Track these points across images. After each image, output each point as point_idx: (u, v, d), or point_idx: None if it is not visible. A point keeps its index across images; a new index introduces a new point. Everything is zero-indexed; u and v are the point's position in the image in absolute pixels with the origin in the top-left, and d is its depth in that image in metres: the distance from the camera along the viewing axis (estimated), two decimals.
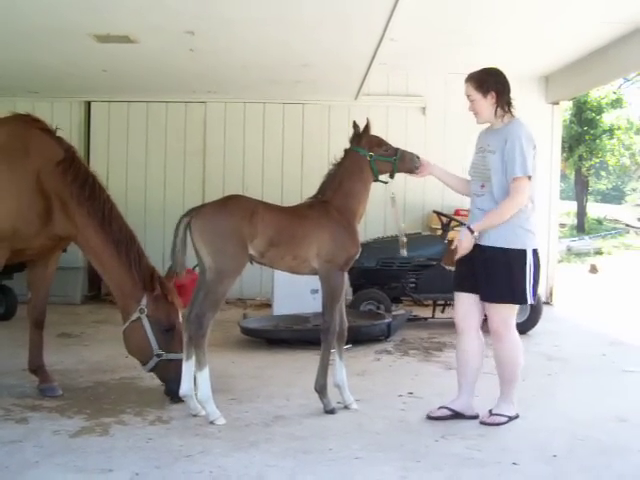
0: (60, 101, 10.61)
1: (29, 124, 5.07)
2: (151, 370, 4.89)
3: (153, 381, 5.40)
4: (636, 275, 16.50)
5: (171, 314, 4.84)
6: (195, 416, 4.50)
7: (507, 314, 4.46)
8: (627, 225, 30.81)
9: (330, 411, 4.62)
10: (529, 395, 5.20)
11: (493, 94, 4.43)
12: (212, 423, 4.35)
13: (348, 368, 4.89)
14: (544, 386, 5.57)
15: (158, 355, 4.78)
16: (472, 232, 4.38)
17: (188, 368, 4.47)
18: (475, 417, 4.57)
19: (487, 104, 4.46)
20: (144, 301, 4.81)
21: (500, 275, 4.36)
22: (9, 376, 5.52)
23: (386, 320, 7.30)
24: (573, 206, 31.74)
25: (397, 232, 4.97)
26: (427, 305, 8.68)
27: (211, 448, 3.94)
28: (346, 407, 4.76)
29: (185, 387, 4.48)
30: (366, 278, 8.30)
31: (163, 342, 4.80)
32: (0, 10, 6.31)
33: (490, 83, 4.44)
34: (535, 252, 4.44)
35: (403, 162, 4.81)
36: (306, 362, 6.02)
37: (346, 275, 4.83)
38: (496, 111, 4.47)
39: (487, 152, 4.46)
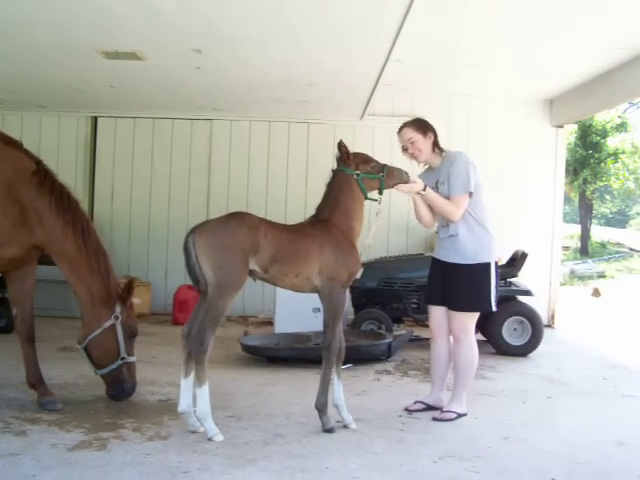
0: (67, 116, 10.76)
1: None
2: (108, 372, 5.15)
3: (152, 397, 5.43)
4: (639, 299, 16.46)
5: (135, 321, 5.29)
6: (193, 432, 4.49)
7: (467, 321, 5.07)
8: (631, 249, 30.72)
9: (329, 430, 4.61)
10: (529, 417, 5.20)
11: (430, 135, 5.15)
12: (210, 440, 4.33)
13: (348, 387, 4.89)
14: (544, 409, 5.56)
15: (122, 358, 5.14)
16: (424, 189, 4.97)
17: (187, 385, 4.46)
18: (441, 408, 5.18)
19: (426, 143, 5.13)
20: (118, 309, 5.12)
21: (467, 287, 5.01)
22: (9, 389, 5.53)
23: (387, 340, 7.28)
24: (577, 229, 31.77)
25: (367, 239, 5.29)
26: (428, 326, 8.63)
27: (209, 465, 3.93)
28: (345, 426, 4.75)
29: (184, 404, 4.47)
30: (368, 298, 8.32)
31: (129, 347, 5.22)
32: (10, 26, 6.40)
33: (428, 127, 5.16)
34: (495, 262, 5.08)
35: (391, 178, 4.91)
36: (306, 381, 6.02)
37: (348, 294, 4.84)
38: (433, 149, 5.15)
39: (439, 184, 5.09)
